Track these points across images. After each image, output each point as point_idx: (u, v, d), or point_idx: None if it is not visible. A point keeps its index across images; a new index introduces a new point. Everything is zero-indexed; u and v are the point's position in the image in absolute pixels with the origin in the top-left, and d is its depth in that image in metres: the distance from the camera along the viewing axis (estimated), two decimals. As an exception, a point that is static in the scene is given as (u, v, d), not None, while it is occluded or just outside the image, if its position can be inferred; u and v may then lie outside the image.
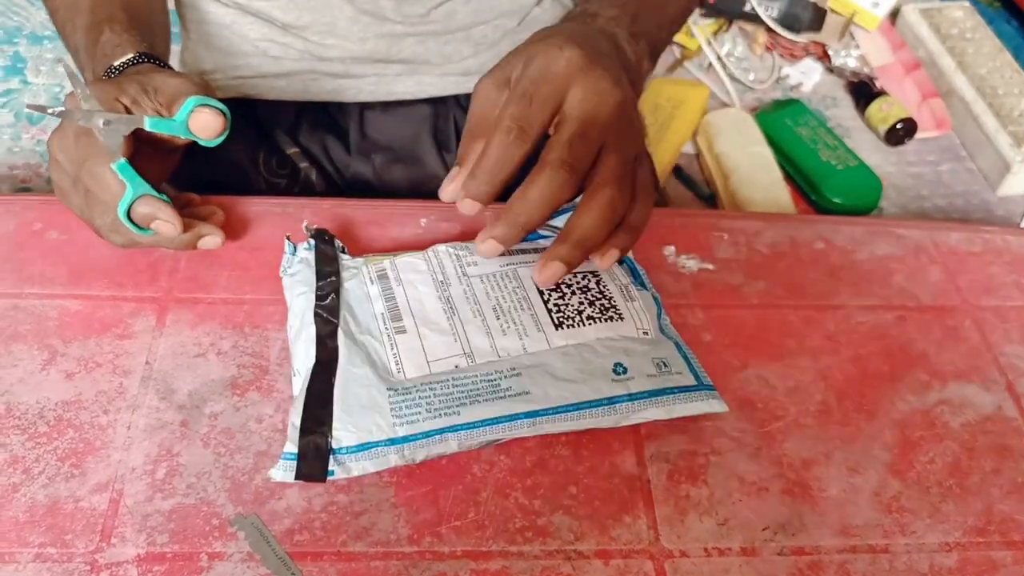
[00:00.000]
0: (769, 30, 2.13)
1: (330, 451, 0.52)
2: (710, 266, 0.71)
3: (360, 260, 0.62)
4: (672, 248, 0.72)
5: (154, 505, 0.52)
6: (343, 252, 0.63)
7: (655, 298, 0.64)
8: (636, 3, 0.67)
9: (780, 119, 1.87)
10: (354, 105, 0.93)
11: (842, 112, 2.04)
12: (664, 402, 0.56)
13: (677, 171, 1.80)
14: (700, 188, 1.79)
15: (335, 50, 0.87)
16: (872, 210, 1.74)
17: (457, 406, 0.53)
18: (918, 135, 1.94)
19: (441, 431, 0.53)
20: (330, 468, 0.52)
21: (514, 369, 0.56)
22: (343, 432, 0.52)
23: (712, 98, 1.98)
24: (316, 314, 0.58)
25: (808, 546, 0.54)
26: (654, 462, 0.57)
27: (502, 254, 0.55)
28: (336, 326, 0.58)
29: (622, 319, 0.59)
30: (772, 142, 1.82)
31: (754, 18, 2.10)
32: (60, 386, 0.58)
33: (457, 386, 0.54)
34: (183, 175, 0.93)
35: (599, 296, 0.60)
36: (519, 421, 0.53)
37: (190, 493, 0.53)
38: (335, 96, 0.92)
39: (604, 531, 0.53)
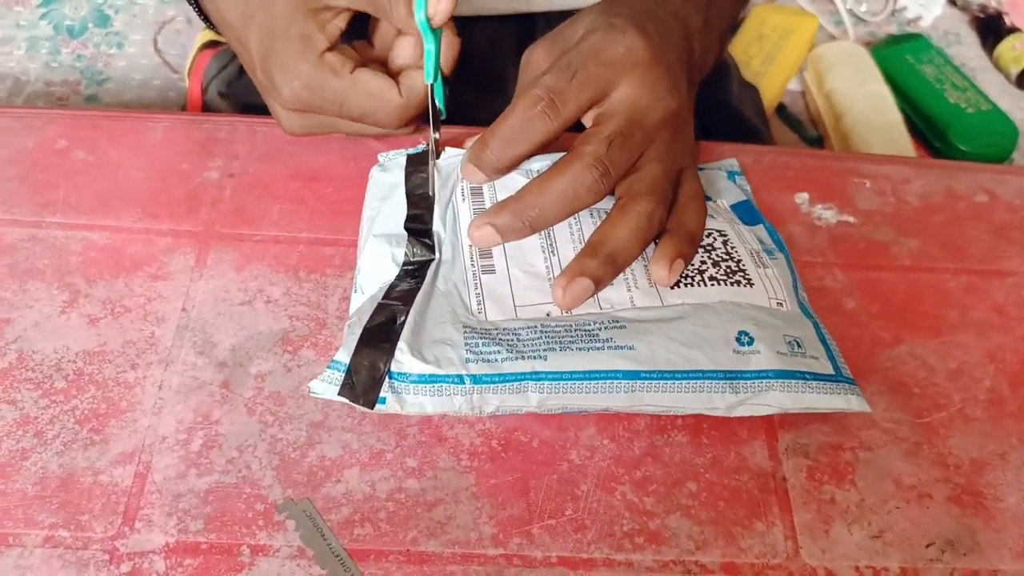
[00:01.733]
0: (886, -45, 2.00)
1: (387, 374, 0.45)
2: (851, 219, 0.62)
3: (455, 159, 0.55)
4: (805, 195, 0.63)
5: (187, 483, 0.45)
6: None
7: (791, 268, 0.56)
8: None
9: (900, 55, 1.75)
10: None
11: (966, 51, 1.91)
12: (793, 387, 0.47)
13: (781, 110, 1.70)
14: (806, 129, 1.68)
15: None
16: (1004, 160, 1.63)
17: (544, 350, 0.46)
18: (1053, 79, 1.81)
19: (520, 377, 0.45)
20: (382, 394, 0.45)
21: (617, 321, 0.48)
22: (406, 357, 0.46)
23: (820, 31, 1.86)
24: (408, 223, 0.53)
25: (984, 569, 0.46)
26: (791, 456, 0.49)
27: None
28: (428, 243, 0.52)
29: (751, 285, 0.51)
30: (891, 80, 1.70)
31: (870, -59, 1.98)
32: (82, 333, 0.51)
33: (546, 331, 0.47)
34: (228, 97, 0.87)
35: (725, 257, 0.53)
36: (616, 382, 0.46)
37: (230, 470, 0.46)
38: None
39: (731, 540, 0.45)
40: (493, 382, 0.45)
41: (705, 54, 0.59)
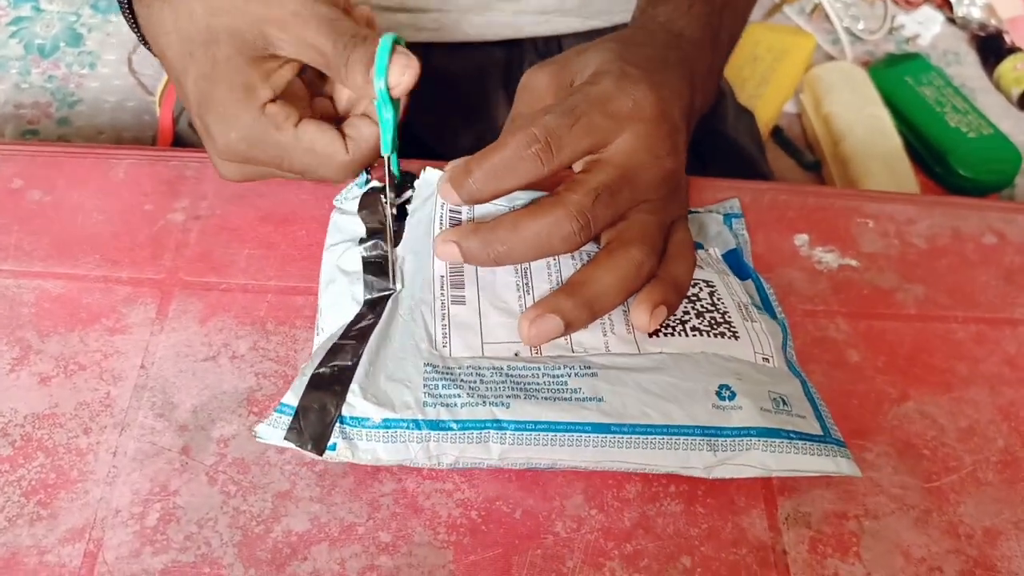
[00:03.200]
0: (883, -28, 2.00)
1: (338, 418, 0.43)
2: (853, 262, 0.61)
3: (436, 177, 0.53)
4: (805, 237, 0.61)
5: (141, 563, 0.43)
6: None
7: (782, 325, 0.54)
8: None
9: (899, 76, 1.74)
10: (414, 46, 0.83)
11: (966, 70, 1.91)
12: (776, 446, 0.45)
13: (777, 133, 1.68)
14: (803, 154, 1.67)
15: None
16: (1006, 187, 1.62)
17: (507, 396, 0.44)
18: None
19: (481, 425, 0.43)
20: (332, 440, 0.43)
21: (589, 367, 0.46)
22: (358, 400, 0.44)
23: (816, 50, 1.85)
24: (366, 259, 0.51)
25: (1001, 654, 0.43)
26: (791, 526, 0.47)
27: None
28: (387, 276, 0.50)
29: (737, 338, 0.49)
30: (890, 103, 1.69)
31: (867, -42, 1.98)
32: (32, 394, 0.49)
33: (512, 375, 0.45)
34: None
35: (710, 308, 0.51)
36: (584, 435, 0.43)
37: (189, 547, 0.43)
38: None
39: (729, 622, 0.43)
40: (451, 429, 0.43)
41: (705, 101, 0.58)
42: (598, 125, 0.47)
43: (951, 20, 2.02)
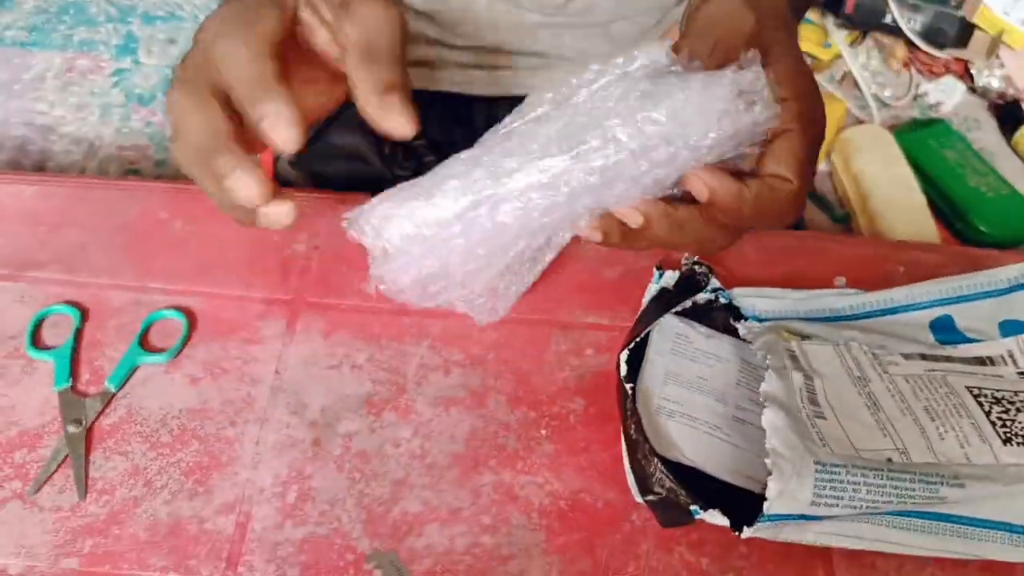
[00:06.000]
0: (908, 44, 2.04)
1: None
2: (888, 303, 0.65)
3: (764, 326, 0.58)
4: (843, 280, 0.66)
5: (284, 533, 0.48)
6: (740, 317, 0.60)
7: None
8: None
9: (924, 139, 1.78)
10: (483, 98, 0.89)
11: (985, 136, 1.94)
12: None
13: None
14: (833, 209, 1.71)
15: (466, 38, 0.84)
16: (1022, 243, 1.65)
17: (886, 511, 0.47)
18: (1067, 163, 1.83)
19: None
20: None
21: (957, 478, 0.48)
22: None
23: (847, 115, 1.90)
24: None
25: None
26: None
27: None
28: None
29: None
30: (914, 163, 1.73)
31: (894, 31, 2.01)
32: (184, 391, 0.55)
33: (892, 479, 0.47)
34: (298, 165, 0.91)
35: None
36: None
37: (323, 522, 0.49)
38: (464, 88, 0.88)
39: (781, 601, 0.48)
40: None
41: None
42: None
43: (972, 89, 2.04)
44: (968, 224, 1.63)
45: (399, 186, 0.47)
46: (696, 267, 0.60)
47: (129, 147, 1.68)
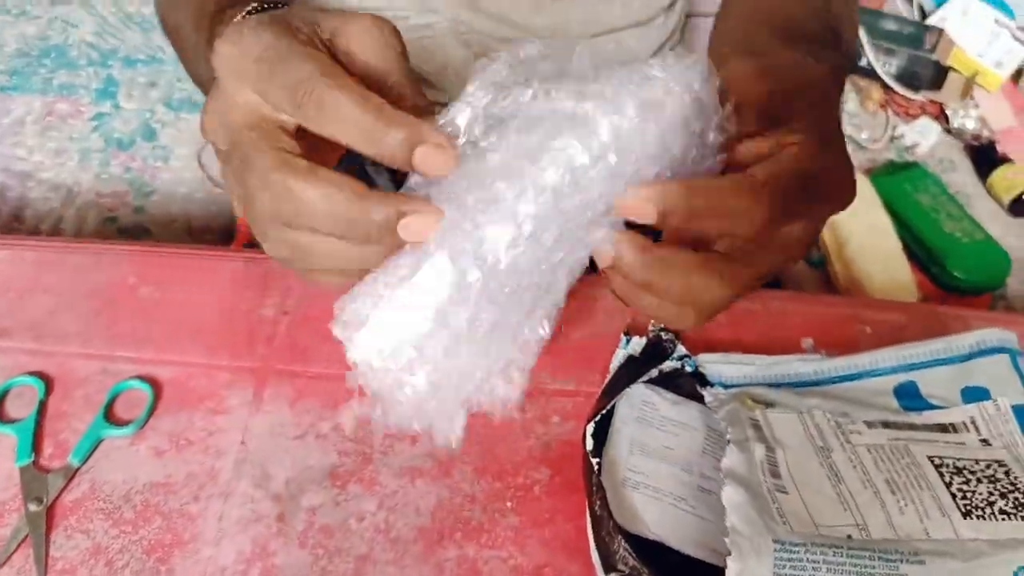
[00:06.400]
0: (884, 86, 2.07)
1: None
2: (854, 365, 0.65)
3: (730, 393, 0.58)
4: (810, 341, 0.66)
5: (245, 613, 0.48)
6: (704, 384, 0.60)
7: None
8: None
9: (899, 183, 1.80)
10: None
11: (961, 177, 1.96)
12: None
13: (785, 234, 1.75)
14: (809, 254, 1.72)
15: (444, 93, 0.85)
16: (998, 288, 1.67)
17: None
18: (1043, 205, 1.86)
19: None
20: None
21: (916, 555, 0.48)
22: None
23: (823, 156, 1.92)
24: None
25: None
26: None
27: None
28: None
29: None
30: (890, 208, 1.75)
31: (870, 73, 2.04)
32: (149, 464, 0.54)
33: (852, 556, 0.46)
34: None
35: (1011, 488, 0.52)
36: None
37: (284, 601, 0.49)
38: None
39: None
40: None
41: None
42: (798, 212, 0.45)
43: (947, 131, 2.08)
44: (943, 270, 1.65)
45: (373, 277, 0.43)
46: (663, 334, 0.61)
47: (108, 193, 1.68)
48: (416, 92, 0.44)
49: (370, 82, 0.43)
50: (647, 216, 0.42)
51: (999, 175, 1.87)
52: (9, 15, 2.07)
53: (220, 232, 1.60)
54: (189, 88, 1.90)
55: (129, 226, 1.63)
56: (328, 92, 0.40)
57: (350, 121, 0.40)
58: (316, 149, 0.43)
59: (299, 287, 0.66)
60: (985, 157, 1.95)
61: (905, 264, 1.64)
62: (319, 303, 0.65)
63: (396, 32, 0.44)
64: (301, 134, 0.42)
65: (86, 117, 1.83)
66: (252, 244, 0.92)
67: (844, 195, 0.48)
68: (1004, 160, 1.91)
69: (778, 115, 0.46)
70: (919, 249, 1.70)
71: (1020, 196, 1.83)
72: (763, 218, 0.42)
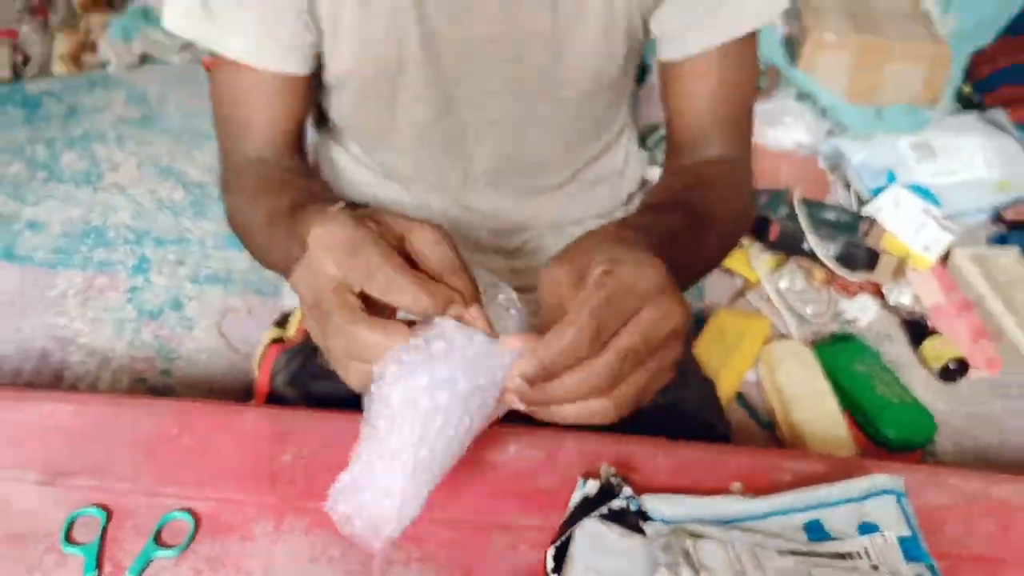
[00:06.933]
0: (826, 267, 2.20)
1: None
2: (775, 506, 0.74)
3: (668, 528, 0.65)
4: (739, 485, 0.75)
5: None
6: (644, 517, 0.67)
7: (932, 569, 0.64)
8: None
9: (838, 353, 1.92)
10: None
11: (896, 348, 2.07)
12: None
13: (740, 397, 1.85)
14: (760, 416, 1.82)
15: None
16: (926, 445, 1.75)
17: None
18: (971, 374, 1.96)
19: None
20: None
21: None
22: None
23: (773, 327, 2.03)
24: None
25: None
26: None
27: None
28: None
29: None
30: (830, 375, 1.86)
31: (812, 256, 2.18)
32: (189, 583, 0.63)
33: None
34: (293, 385, 1.00)
35: None
36: None
37: None
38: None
39: None
40: None
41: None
42: (631, 309, 0.52)
43: (885, 306, 2.19)
44: (876, 429, 1.74)
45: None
46: (612, 478, 0.70)
47: (139, 358, 1.78)
48: (459, 274, 0.56)
49: (429, 267, 0.56)
50: (526, 392, 0.54)
51: (929, 346, 1.98)
52: (57, 200, 2.21)
53: (238, 393, 1.69)
54: (213, 266, 2.02)
55: (158, 387, 1.72)
56: (390, 273, 0.53)
57: (404, 293, 0.53)
58: (374, 305, 0.55)
59: (312, 438, 0.75)
60: (917, 330, 2.06)
61: (842, 423, 1.74)
62: (328, 452, 0.74)
63: (447, 235, 0.56)
64: (364, 295, 0.54)
65: (121, 290, 1.95)
66: (270, 401, 1.01)
67: (664, 298, 0.54)
68: (933, 332, 2.02)
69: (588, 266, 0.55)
70: (856, 411, 1.80)
71: (947, 365, 1.93)
72: (590, 331, 0.51)
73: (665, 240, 0.65)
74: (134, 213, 2.20)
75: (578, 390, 0.52)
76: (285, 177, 0.85)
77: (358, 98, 0.92)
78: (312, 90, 0.91)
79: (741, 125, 0.92)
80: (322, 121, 1.04)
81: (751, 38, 0.88)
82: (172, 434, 0.74)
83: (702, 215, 0.79)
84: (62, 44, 2.80)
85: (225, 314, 1.89)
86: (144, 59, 2.87)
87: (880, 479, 0.70)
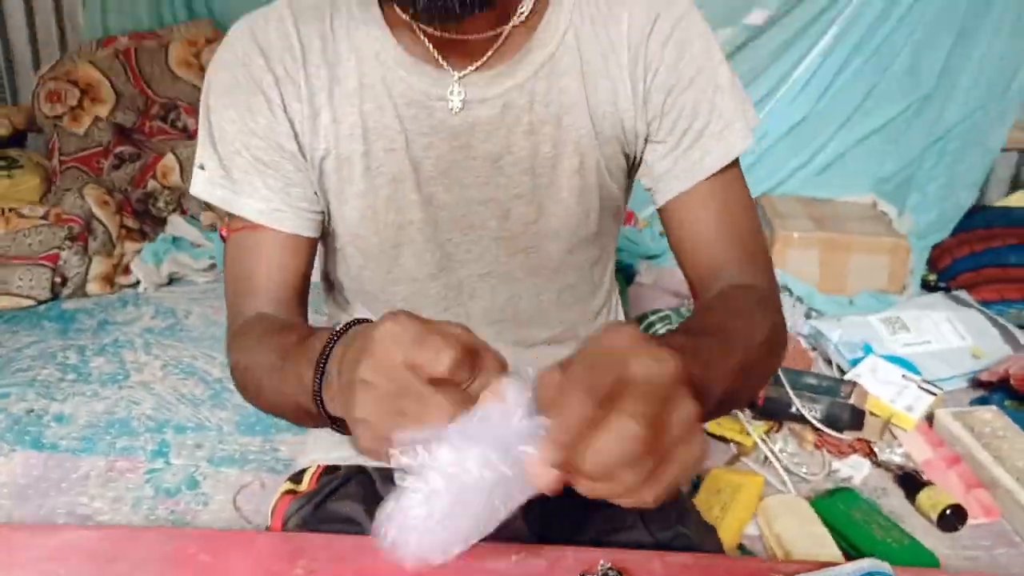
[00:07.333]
0: (816, 429, 2.20)
1: None
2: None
3: None
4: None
5: None
6: None
7: None
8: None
9: (834, 504, 1.90)
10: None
11: (893, 501, 2.04)
12: None
13: (741, 548, 1.81)
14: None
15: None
16: (928, 583, 1.70)
17: None
18: (970, 522, 1.92)
19: None
20: None
21: None
22: None
23: (770, 486, 2.01)
24: None
25: None
26: None
27: None
28: None
29: None
30: (828, 523, 1.83)
31: (800, 418, 2.18)
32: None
33: None
34: (304, 527, 0.99)
35: None
36: None
37: None
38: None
39: None
40: None
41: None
42: (617, 359, 0.52)
43: (876, 463, 2.17)
44: (877, 570, 1.69)
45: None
46: (609, 571, 0.69)
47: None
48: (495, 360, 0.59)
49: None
50: (554, 478, 0.52)
51: (924, 496, 1.96)
52: (85, 396, 2.26)
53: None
54: (229, 449, 2.03)
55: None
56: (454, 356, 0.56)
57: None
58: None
59: (321, 555, 0.75)
60: (910, 483, 2.04)
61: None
62: (341, 565, 0.74)
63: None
64: None
65: (141, 472, 1.96)
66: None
67: (646, 346, 0.53)
68: (927, 483, 1.99)
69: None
70: (855, 555, 1.75)
71: (944, 512, 1.90)
72: (581, 394, 0.51)
73: (687, 348, 0.64)
74: (156, 405, 2.25)
75: (602, 455, 0.49)
76: (290, 322, 0.89)
77: (362, 258, 0.98)
78: (314, 252, 0.96)
79: (748, 247, 0.94)
80: (328, 285, 1.09)
81: (733, 170, 0.94)
82: (189, 553, 0.75)
83: (727, 329, 0.78)
84: (98, 267, 2.95)
85: (240, 489, 1.88)
86: (171, 280, 3.04)
87: (866, 562, 0.71)
